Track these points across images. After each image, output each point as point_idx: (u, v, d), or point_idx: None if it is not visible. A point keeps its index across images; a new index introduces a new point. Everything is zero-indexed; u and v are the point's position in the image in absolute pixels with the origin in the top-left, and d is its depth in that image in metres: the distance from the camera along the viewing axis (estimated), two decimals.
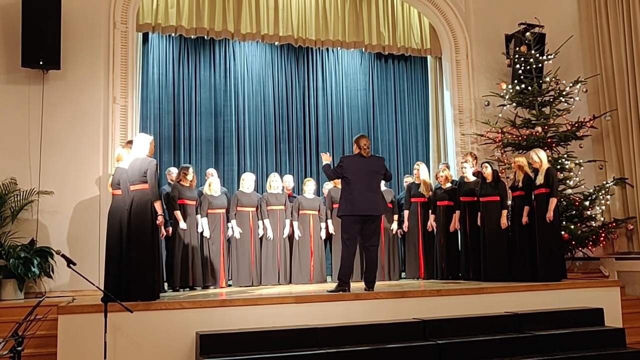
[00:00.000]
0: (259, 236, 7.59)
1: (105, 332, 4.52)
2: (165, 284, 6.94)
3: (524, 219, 6.86)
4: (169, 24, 8.13)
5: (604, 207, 8.03)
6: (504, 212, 7.05)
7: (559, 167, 7.83)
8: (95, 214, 7.18)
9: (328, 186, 8.13)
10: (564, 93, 8.25)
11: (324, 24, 8.90)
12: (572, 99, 8.29)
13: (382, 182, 6.94)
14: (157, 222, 5.42)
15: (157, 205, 5.41)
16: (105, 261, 5.52)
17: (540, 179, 6.78)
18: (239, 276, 7.42)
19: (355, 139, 6.25)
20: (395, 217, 8.05)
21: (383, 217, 7.91)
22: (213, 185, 7.45)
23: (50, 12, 7.00)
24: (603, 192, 7.93)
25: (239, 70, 9.30)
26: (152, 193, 5.39)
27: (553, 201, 6.65)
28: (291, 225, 7.71)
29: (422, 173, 8.08)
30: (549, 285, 6.32)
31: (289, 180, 8.14)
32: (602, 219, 7.96)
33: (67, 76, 7.32)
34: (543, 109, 8.41)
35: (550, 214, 6.61)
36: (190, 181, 7.24)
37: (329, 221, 7.86)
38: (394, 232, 8.03)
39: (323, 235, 7.83)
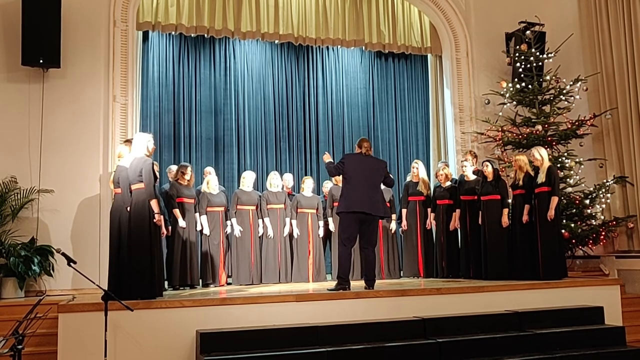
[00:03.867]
0: (259, 235, 7.59)
1: (106, 330, 4.52)
2: (166, 283, 6.94)
3: (525, 218, 6.86)
4: (169, 22, 8.13)
5: (604, 206, 8.02)
6: (505, 211, 7.05)
7: (559, 165, 7.82)
8: (96, 213, 7.18)
9: (328, 184, 8.13)
10: (564, 91, 8.24)
11: (324, 23, 8.90)
12: (572, 98, 8.28)
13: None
14: (154, 220, 5.44)
15: (153, 204, 5.44)
16: (108, 260, 5.53)
17: (541, 177, 6.78)
18: (239, 274, 7.42)
19: (358, 141, 6.33)
20: (394, 216, 8.05)
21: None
22: (211, 183, 7.45)
23: (51, 11, 6.99)
24: (603, 190, 7.93)
25: (239, 68, 9.30)
26: (148, 192, 5.42)
27: (554, 199, 6.65)
28: (291, 223, 7.72)
29: (420, 171, 8.09)
30: (549, 283, 6.32)
31: (289, 178, 8.14)
32: (602, 217, 7.95)
33: (67, 75, 7.32)
34: (543, 108, 8.40)
35: (551, 213, 6.61)
36: (188, 180, 7.24)
37: (330, 219, 7.86)
38: (392, 232, 8.03)
39: (321, 233, 7.83)
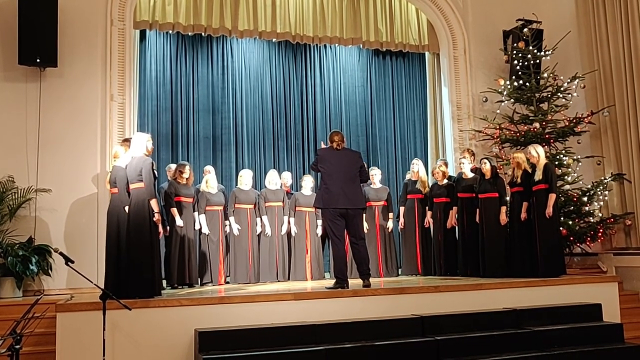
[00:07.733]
0: (257, 233, 7.59)
1: (104, 329, 4.51)
2: (164, 281, 6.94)
3: (523, 215, 6.86)
4: (166, 21, 8.11)
5: (602, 203, 8.04)
6: (503, 208, 7.05)
7: (557, 163, 7.83)
8: (93, 212, 7.18)
9: None
10: (561, 89, 8.25)
11: (322, 21, 8.89)
12: (570, 95, 8.30)
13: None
14: (154, 219, 5.43)
15: (153, 203, 5.44)
16: (105, 259, 5.52)
17: (538, 175, 6.78)
18: (237, 273, 7.42)
19: (329, 136, 6.32)
20: (391, 214, 8.05)
21: (378, 214, 7.96)
22: (210, 182, 7.45)
23: (47, 10, 6.98)
24: (601, 187, 7.94)
25: (236, 67, 9.29)
26: (148, 191, 5.42)
27: (552, 197, 6.65)
28: (289, 222, 7.71)
29: (420, 170, 8.09)
30: (547, 281, 6.32)
31: (287, 177, 8.15)
32: (600, 214, 7.97)
33: (64, 74, 7.31)
34: (541, 105, 8.41)
35: (549, 210, 6.61)
36: (187, 178, 7.23)
37: None
38: (389, 230, 8.02)
39: (319, 231, 7.83)
